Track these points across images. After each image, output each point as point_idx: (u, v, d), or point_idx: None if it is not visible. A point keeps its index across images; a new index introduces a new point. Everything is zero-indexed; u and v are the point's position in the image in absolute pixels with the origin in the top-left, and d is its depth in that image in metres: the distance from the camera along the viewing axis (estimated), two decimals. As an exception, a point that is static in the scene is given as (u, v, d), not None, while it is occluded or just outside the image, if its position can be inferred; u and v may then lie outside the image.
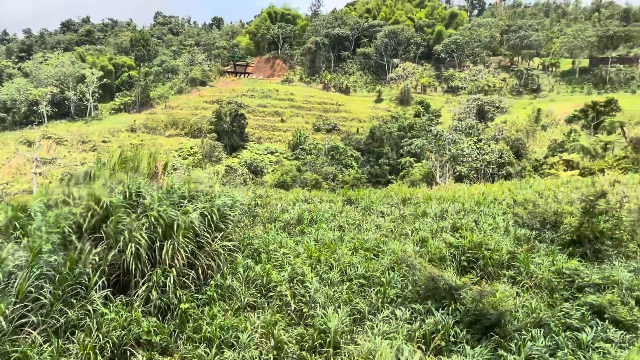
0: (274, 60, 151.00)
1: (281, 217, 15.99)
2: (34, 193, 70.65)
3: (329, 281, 10.91)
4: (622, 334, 8.76)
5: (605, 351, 8.25)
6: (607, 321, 9.02)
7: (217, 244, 10.90)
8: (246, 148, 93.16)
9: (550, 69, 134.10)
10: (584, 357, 8.20)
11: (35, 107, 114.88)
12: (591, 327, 8.91)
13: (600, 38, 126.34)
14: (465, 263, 11.71)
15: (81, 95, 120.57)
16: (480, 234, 13.31)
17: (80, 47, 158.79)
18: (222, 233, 11.32)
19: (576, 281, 10.51)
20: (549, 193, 19.70)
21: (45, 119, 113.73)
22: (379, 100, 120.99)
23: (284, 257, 12.04)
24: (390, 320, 9.41)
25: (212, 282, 10.34)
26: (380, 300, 10.18)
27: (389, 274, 11.23)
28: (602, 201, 13.44)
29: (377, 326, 9.12)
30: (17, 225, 9.65)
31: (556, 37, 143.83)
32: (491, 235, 13.15)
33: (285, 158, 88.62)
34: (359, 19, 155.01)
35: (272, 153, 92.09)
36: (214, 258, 10.75)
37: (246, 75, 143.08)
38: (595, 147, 50.03)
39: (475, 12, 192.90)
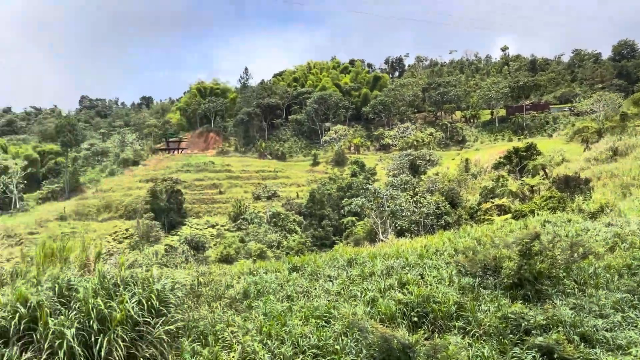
0: (207, 133, 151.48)
1: (226, 293, 15.44)
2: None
3: (282, 356, 10.50)
4: (572, 371, 8.92)
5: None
6: (556, 361, 9.19)
7: (159, 331, 10.29)
8: (185, 224, 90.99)
9: (471, 120, 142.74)
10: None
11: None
12: (543, 368, 9.02)
13: (512, 89, 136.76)
14: (415, 319, 11.68)
15: (4, 187, 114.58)
16: (427, 287, 13.40)
17: (1, 138, 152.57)
18: (163, 318, 10.72)
19: (522, 324, 10.71)
20: (486, 239, 20.37)
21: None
22: (315, 163, 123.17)
23: (232, 336, 11.52)
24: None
25: (157, 373, 9.67)
26: (335, 369, 9.87)
27: (342, 340, 10.98)
28: (537, 242, 14.02)
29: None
30: None
31: (473, 90, 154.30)
32: (437, 288, 13.27)
33: (227, 230, 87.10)
34: (287, 88, 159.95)
35: (212, 226, 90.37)
36: (156, 346, 10.10)
37: (180, 150, 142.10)
38: (523, 190, 52.79)
39: (397, 73, 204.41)
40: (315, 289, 15.62)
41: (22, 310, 9.16)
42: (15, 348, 8.61)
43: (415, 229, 48.30)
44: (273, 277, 17.48)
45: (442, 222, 48.87)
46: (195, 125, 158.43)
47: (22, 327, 9.06)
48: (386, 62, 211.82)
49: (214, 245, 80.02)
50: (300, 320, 12.52)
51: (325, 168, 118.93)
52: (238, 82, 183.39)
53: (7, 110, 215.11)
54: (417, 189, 58.03)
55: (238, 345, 10.86)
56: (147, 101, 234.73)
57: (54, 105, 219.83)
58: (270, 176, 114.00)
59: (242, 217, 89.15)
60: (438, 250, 19.33)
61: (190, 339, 11.25)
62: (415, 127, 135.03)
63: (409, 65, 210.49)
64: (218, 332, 11.70)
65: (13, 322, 9.00)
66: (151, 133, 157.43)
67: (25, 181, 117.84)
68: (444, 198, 53.95)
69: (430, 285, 13.76)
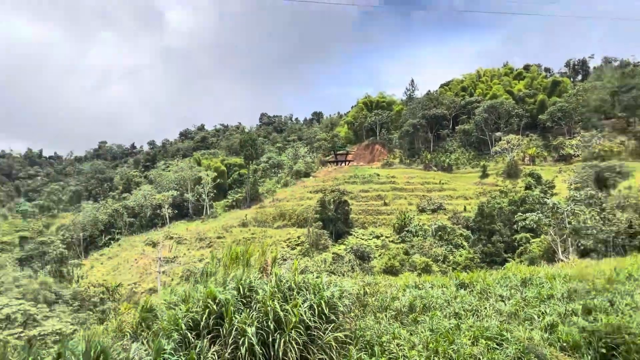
0: (372, 146, 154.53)
1: (392, 305, 15.47)
2: (158, 292, 75.68)
3: (449, 375, 10.15)
4: None
5: None
6: None
7: (329, 337, 10.70)
8: (351, 234, 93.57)
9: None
10: None
11: (158, 211, 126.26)
12: None
13: None
14: (603, 350, 10.40)
15: (198, 196, 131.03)
16: (618, 315, 11.85)
17: (196, 153, 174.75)
18: (332, 325, 11.14)
19: None
20: (696, 265, 17.39)
21: (168, 220, 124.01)
22: (484, 175, 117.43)
23: (398, 349, 11.49)
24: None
25: (326, 377, 10.06)
26: (508, 396, 9.22)
27: (515, 365, 10.23)
28: None
29: None
30: (144, 325, 10.30)
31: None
32: (631, 317, 11.66)
33: (392, 241, 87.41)
34: (455, 98, 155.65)
35: (377, 237, 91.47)
36: (326, 351, 10.52)
37: (347, 163, 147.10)
38: None
39: (579, 77, 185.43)
40: (486, 308, 14.88)
41: (212, 306, 10.29)
42: (205, 341, 9.68)
43: (603, 249, 43.11)
44: (439, 293, 17.08)
45: (637, 242, 42.89)
46: (361, 138, 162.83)
47: (211, 322, 10.16)
48: (567, 65, 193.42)
49: (379, 255, 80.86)
50: (469, 339, 12.00)
51: (495, 180, 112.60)
52: (404, 94, 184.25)
53: (201, 128, 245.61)
54: (604, 205, 51.80)
55: (404, 359, 10.79)
56: (317, 116, 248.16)
57: (238, 122, 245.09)
58: (436, 188, 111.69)
59: (407, 229, 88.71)
60: (631, 275, 17.00)
61: (357, 347, 11.49)
62: (603, 136, 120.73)
63: (594, 67, 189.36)
64: (384, 344, 11.77)
65: (204, 317, 10.15)
66: (321, 146, 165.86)
67: (214, 190, 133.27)
68: (638, 215, 47.34)
69: (622, 313, 12.14)
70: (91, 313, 71.97)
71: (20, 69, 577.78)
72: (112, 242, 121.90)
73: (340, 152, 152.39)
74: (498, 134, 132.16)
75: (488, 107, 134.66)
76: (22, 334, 42.94)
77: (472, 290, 17.48)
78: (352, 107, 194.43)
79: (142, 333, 10.14)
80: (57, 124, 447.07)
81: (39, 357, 8.47)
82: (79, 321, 62.53)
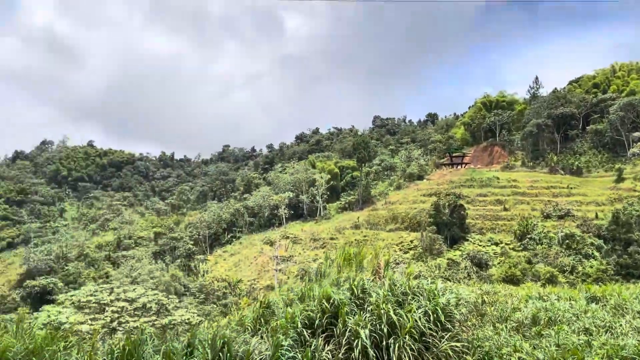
0: (491, 147, 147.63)
1: (513, 316, 14.61)
2: (275, 289, 79.03)
3: (579, 396, 9.32)
4: None
5: None
6: None
7: (445, 345, 10.37)
8: (468, 239, 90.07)
9: None
10: None
11: (276, 211, 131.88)
12: None
13: None
14: None
15: (312, 198, 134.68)
16: None
17: (311, 155, 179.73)
18: (448, 333, 10.77)
19: None
20: None
21: (284, 220, 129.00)
22: (619, 179, 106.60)
23: (519, 363, 10.79)
24: None
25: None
26: None
27: (658, 391, 9.11)
28: None
29: None
30: (263, 321, 10.77)
31: None
32: None
33: (512, 249, 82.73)
34: (585, 95, 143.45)
35: (496, 244, 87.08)
36: (441, 360, 10.20)
37: (463, 165, 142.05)
38: None
39: None
40: (621, 325, 13.46)
41: (326, 305, 10.46)
42: (320, 339, 9.86)
43: None
44: (567, 306, 15.82)
45: None
46: (479, 140, 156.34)
47: (324, 322, 10.34)
48: None
49: (498, 263, 76.99)
50: (601, 358, 10.93)
51: (633, 185, 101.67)
52: (527, 92, 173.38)
53: (316, 132, 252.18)
54: None
55: (527, 374, 10.11)
56: (432, 118, 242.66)
57: (351, 125, 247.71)
58: (563, 193, 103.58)
59: (529, 236, 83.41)
60: None
61: (474, 358, 11.01)
62: None
63: None
64: (504, 356, 11.14)
65: (319, 316, 10.35)
66: (435, 148, 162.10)
67: (328, 192, 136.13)
68: None
69: None
70: (215, 306, 77.26)
71: (156, 79, 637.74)
72: (233, 239, 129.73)
73: (456, 154, 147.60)
74: (636, 134, 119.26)
75: (625, 105, 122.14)
76: (155, 322, 47.20)
77: (605, 305, 15.99)
78: (469, 108, 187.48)
79: (261, 328, 10.60)
80: (187, 128, 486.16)
81: (171, 345, 9.20)
82: (204, 312, 67.43)
